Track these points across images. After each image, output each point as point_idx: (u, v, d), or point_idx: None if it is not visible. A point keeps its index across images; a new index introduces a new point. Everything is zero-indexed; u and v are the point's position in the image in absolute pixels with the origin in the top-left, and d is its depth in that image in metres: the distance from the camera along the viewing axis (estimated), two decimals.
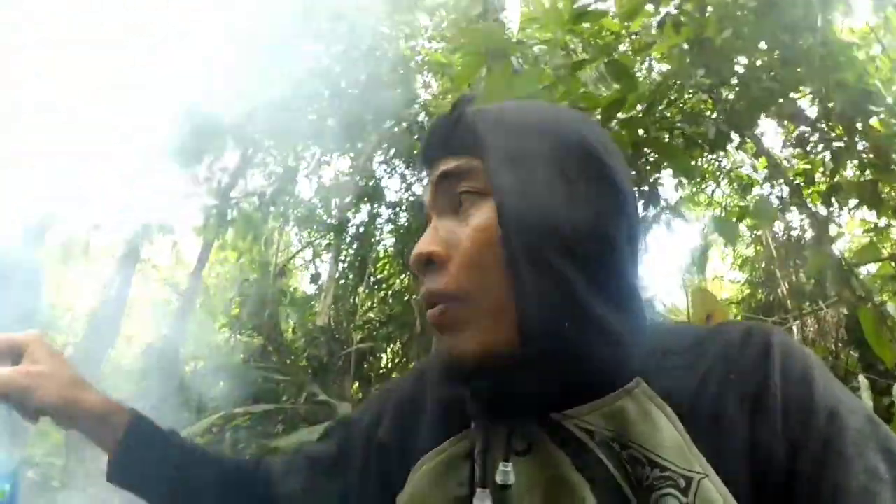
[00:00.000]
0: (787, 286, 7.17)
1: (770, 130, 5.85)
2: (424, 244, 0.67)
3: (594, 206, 0.65)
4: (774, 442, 0.58)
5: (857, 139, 4.20)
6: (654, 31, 3.31)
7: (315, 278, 7.66)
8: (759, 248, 7.77)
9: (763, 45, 3.57)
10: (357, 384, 7.26)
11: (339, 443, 0.87)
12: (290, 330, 8.15)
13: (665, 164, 2.74)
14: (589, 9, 2.10)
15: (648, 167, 3.10)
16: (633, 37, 3.14)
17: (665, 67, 4.01)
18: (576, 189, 0.65)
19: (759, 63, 3.61)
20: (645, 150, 2.55)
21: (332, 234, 7.35)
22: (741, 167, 6.21)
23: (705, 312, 1.94)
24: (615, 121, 2.18)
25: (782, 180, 5.14)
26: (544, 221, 0.63)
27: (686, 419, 0.61)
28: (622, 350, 0.64)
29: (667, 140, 2.77)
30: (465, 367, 0.65)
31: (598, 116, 2.01)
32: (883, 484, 0.54)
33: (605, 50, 2.49)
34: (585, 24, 2.50)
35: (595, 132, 0.71)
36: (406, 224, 6.86)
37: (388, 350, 7.57)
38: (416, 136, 5.75)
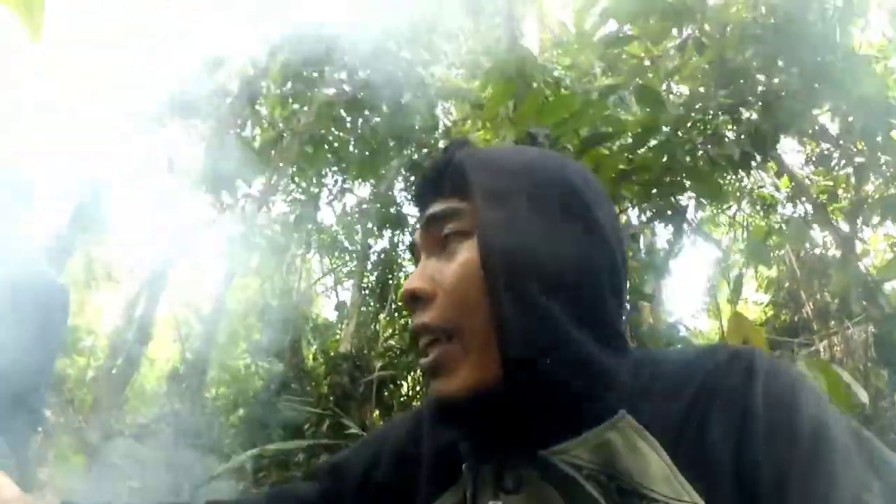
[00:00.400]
0: (811, 306, 7.08)
1: (790, 149, 5.83)
2: (411, 281, 0.70)
3: (575, 243, 0.67)
4: (761, 464, 0.58)
5: (879, 154, 4.19)
6: (672, 53, 3.35)
7: (340, 307, 7.67)
8: (781, 267, 7.69)
9: (781, 63, 3.59)
10: (378, 412, 7.23)
11: (330, 484, 0.86)
12: (312, 356, 8.16)
13: (689, 186, 2.74)
14: (620, 35, 2.13)
15: (673, 190, 3.11)
16: (654, 61, 3.16)
17: (684, 89, 4.04)
18: (556, 227, 0.67)
19: (777, 81, 3.63)
20: (672, 173, 2.55)
21: (354, 260, 7.37)
22: (762, 187, 6.18)
23: (741, 337, 1.93)
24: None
25: (805, 198, 5.11)
26: (525, 258, 0.65)
27: (672, 448, 0.61)
28: (606, 382, 0.66)
29: (692, 163, 2.77)
30: (452, 407, 0.67)
31: (630, 141, 2.03)
32: (874, 496, 0.55)
33: (633, 75, 2.50)
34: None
35: (578, 173, 0.74)
36: None
37: (409, 378, 7.54)
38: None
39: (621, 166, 2.18)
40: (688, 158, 3.10)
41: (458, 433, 0.72)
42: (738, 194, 6.22)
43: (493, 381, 0.64)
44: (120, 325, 9.09)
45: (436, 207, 0.72)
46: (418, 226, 0.75)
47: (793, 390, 0.62)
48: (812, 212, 4.98)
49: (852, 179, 4.78)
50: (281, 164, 5.77)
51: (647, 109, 2.15)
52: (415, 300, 0.69)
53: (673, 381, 0.67)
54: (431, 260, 0.72)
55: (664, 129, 2.35)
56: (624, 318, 0.72)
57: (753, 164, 3.77)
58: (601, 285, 0.68)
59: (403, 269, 7.53)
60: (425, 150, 5.81)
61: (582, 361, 0.64)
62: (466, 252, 0.68)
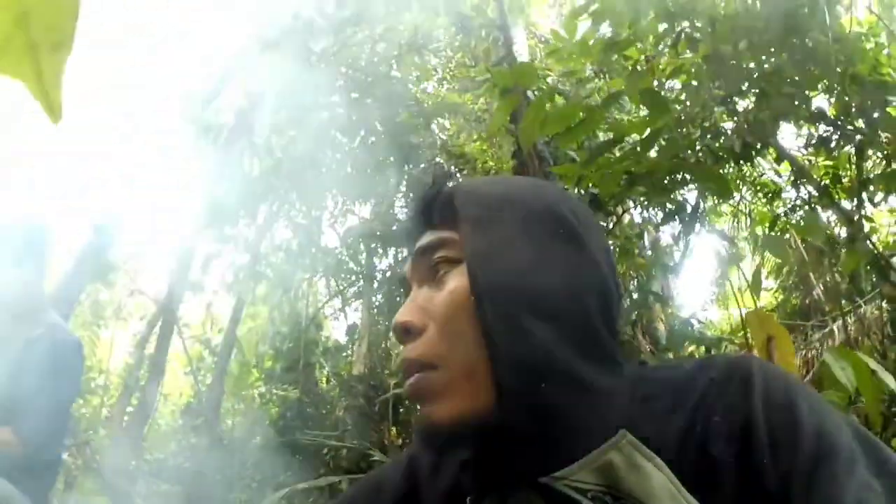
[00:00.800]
0: (821, 287, 7.05)
1: (787, 133, 5.80)
2: (401, 314, 0.70)
3: (563, 268, 0.67)
4: (765, 474, 0.58)
5: (879, 130, 4.17)
6: (665, 51, 3.34)
7: (351, 329, 7.65)
8: (787, 251, 7.65)
9: (773, 49, 3.58)
10: (395, 430, 7.20)
11: None
12: (325, 380, 8.13)
13: (695, 183, 2.73)
14: (618, 39, 2.12)
15: (679, 188, 3.10)
16: (649, 60, 3.16)
17: (676, 84, 4.03)
18: (544, 252, 0.68)
19: (767, 67, 3.61)
20: (677, 172, 2.54)
21: (361, 281, 7.35)
22: (763, 174, 6.17)
23: (765, 335, 1.91)
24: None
25: (807, 182, 5.10)
26: (514, 283, 0.65)
27: (674, 464, 0.61)
28: (602, 403, 0.65)
29: (694, 159, 2.76)
30: (442, 434, 0.66)
31: (631, 144, 2.02)
32: (877, 497, 0.55)
33: (632, 77, 2.49)
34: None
35: (564, 200, 0.74)
36: None
37: None
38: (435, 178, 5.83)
39: (629, 170, 2.16)
40: (689, 153, 3.09)
41: (459, 465, 0.72)
42: (738, 183, 6.20)
43: (486, 409, 0.64)
44: (131, 363, 9.09)
45: (425, 238, 0.73)
46: (409, 259, 0.76)
47: (791, 396, 0.62)
48: (816, 194, 4.96)
49: (853, 159, 4.76)
50: (282, 191, 5.78)
51: (648, 112, 2.13)
52: (405, 332, 0.69)
53: (671, 397, 0.67)
54: (422, 290, 0.71)
55: (668, 129, 2.34)
56: (617, 338, 0.72)
57: (754, 153, 3.76)
58: (591, 308, 0.68)
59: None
60: (422, 166, 5.82)
61: (576, 384, 0.64)
62: (456, 279, 0.68)
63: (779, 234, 5.10)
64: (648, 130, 2.16)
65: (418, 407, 0.69)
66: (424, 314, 0.69)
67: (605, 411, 0.65)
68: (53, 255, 2.36)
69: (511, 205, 0.71)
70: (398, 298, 7.27)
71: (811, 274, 7.03)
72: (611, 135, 2.21)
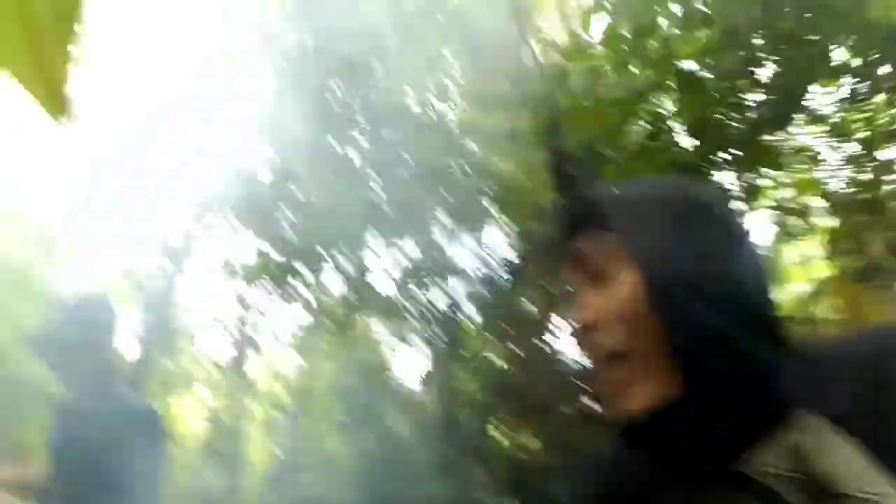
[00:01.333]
0: (883, 246, 6.80)
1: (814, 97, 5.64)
2: (582, 315, 0.75)
3: (721, 251, 0.71)
4: None
5: None
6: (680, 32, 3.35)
7: (423, 375, 7.54)
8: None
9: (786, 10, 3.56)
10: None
11: None
12: (400, 428, 8.02)
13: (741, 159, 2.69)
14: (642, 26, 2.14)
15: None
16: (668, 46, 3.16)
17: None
18: (702, 240, 0.71)
19: (783, 27, 3.57)
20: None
21: (419, 321, 7.23)
22: (794, 139, 6.03)
23: (846, 301, 1.85)
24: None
25: (847, 138, 4.97)
26: (684, 273, 0.68)
27: (859, 440, 0.60)
28: (781, 382, 0.66)
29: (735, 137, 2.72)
30: (635, 423, 0.70)
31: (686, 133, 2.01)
32: None
33: (662, 63, 2.50)
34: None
35: (702, 191, 0.79)
36: (490, 293, 6.73)
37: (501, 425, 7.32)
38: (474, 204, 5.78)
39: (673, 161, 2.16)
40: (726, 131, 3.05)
41: (645, 460, 0.74)
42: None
43: (672, 396, 0.67)
44: (206, 431, 9.15)
45: (586, 241, 0.77)
46: (567, 266, 0.80)
47: None
48: (860, 149, 4.82)
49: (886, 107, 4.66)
50: (328, 244, 5.82)
51: (682, 94, 2.13)
52: (586, 329, 0.74)
53: (844, 371, 0.66)
54: (590, 291, 0.75)
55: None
56: (778, 317, 0.73)
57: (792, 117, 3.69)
58: (752, 288, 0.71)
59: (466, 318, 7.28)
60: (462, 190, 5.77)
61: (754, 363, 0.66)
62: (626, 276, 0.72)
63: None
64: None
65: (609, 406, 0.72)
66: (600, 311, 0.73)
67: (784, 390, 0.65)
68: (120, 329, 2.36)
69: (662, 201, 0.76)
70: (456, 332, 7.13)
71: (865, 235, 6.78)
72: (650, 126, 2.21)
